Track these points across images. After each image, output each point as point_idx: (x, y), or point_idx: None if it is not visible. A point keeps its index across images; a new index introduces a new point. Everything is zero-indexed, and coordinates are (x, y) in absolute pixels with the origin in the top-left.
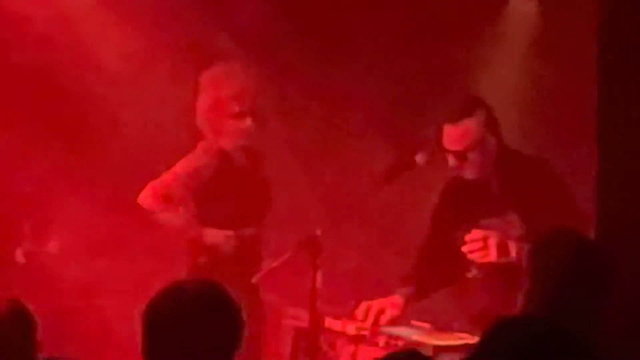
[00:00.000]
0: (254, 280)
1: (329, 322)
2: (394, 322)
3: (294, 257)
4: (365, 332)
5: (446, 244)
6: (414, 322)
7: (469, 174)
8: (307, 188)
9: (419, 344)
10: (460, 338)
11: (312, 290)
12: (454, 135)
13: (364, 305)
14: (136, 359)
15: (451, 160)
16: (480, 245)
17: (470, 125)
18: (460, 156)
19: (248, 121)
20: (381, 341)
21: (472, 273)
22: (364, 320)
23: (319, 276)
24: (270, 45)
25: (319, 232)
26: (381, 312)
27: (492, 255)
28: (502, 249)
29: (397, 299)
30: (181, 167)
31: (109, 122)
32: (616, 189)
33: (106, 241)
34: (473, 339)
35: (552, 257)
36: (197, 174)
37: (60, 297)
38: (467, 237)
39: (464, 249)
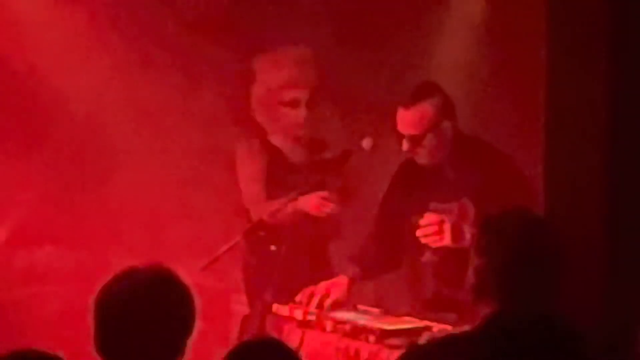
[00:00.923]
0: (201, 267)
1: (276, 307)
2: (338, 304)
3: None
4: (313, 317)
5: (395, 228)
6: (361, 307)
7: (423, 158)
8: None
9: (366, 328)
10: (409, 322)
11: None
12: (408, 119)
13: (307, 290)
14: (88, 347)
15: (405, 145)
16: (435, 230)
17: (425, 109)
18: (415, 140)
19: (302, 111)
20: (328, 326)
21: (426, 257)
22: (308, 304)
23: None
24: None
25: (266, 217)
26: (325, 296)
27: (447, 240)
28: (457, 233)
29: (342, 278)
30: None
31: (55, 112)
32: (562, 173)
33: (54, 229)
34: (421, 323)
35: (502, 233)
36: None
37: (7, 287)
38: (422, 221)
39: (419, 232)
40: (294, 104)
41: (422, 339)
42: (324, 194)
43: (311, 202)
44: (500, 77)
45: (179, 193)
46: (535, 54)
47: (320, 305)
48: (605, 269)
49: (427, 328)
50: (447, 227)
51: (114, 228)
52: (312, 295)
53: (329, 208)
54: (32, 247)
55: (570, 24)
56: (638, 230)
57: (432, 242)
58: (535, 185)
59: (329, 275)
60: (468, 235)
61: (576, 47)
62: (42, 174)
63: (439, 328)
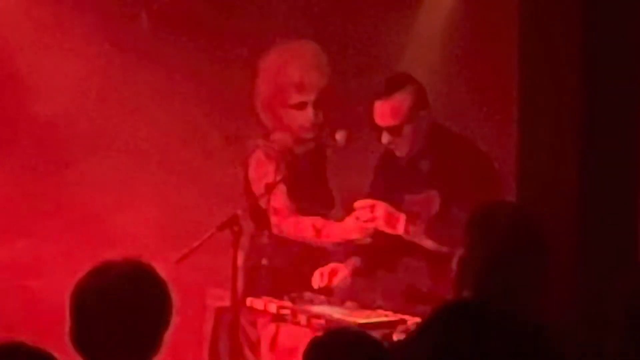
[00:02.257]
0: (175, 260)
1: (250, 301)
2: (345, 282)
3: (216, 236)
4: (287, 311)
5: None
6: (333, 299)
7: (402, 150)
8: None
9: (340, 321)
10: (383, 315)
11: (233, 269)
12: (386, 110)
13: (317, 272)
14: (64, 340)
15: (385, 137)
16: (367, 214)
17: (402, 99)
18: (394, 131)
19: (310, 112)
20: (303, 320)
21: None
22: (320, 283)
23: (240, 256)
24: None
25: (240, 212)
26: (334, 272)
27: (380, 224)
28: (390, 220)
29: (349, 263)
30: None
31: (24, 104)
32: (535, 166)
33: (28, 222)
34: (396, 317)
35: (488, 226)
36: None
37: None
38: (356, 204)
39: (351, 216)
40: (300, 106)
41: (397, 333)
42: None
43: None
44: (473, 71)
45: (154, 183)
46: (507, 47)
47: (329, 282)
48: (575, 264)
49: (402, 321)
50: (379, 212)
51: (86, 219)
52: (321, 275)
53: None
54: (7, 240)
55: (543, 16)
56: (609, 225)
57: (364, 225)
58: (508, 178)
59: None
60: (402, 227)
61: (549, 39)
62: (19, 165)
63: (413, 322)
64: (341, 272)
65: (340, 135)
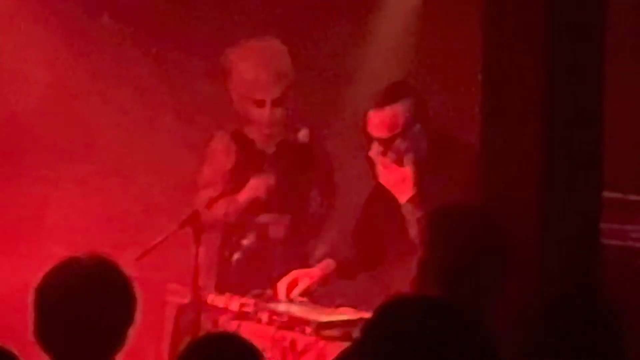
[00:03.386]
0: (136, 258)
1: (211, 298)
2: (308, 294)
3: (177, 233)
4: (249, 309)
5: (375, 227)
6: (297, 298)
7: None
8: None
9: (302, 320)
10: (345, 314)
11: (194, 266)
12: (378, 121)
13: (279, 283)
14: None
15: (375, 148)
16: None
17: (396, 111)
18: (385, 144)
19: (268, 110)
20: (264, 317)
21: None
22: (280, 296)
23: (201, 252)
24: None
25: (200, 208)
26: (294, 283)
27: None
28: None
29: (315, 271)
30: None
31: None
32: (498, 158)
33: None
34: (356, 315)
35: (448, 226)
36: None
37: None
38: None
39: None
40: (259, 103)
41: (357, 331)
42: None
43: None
44: (436, 61)
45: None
46: (471, 36)
47: (287, 294)
48: (536, 264)
49: (362, 320)
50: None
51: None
52: (282, 283)
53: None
54: None
55: (507, 4)
56: (571, 225)
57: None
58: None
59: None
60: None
61: (512, 28)
62: None
63: None
64: (302, 283)
65: (302, 134)
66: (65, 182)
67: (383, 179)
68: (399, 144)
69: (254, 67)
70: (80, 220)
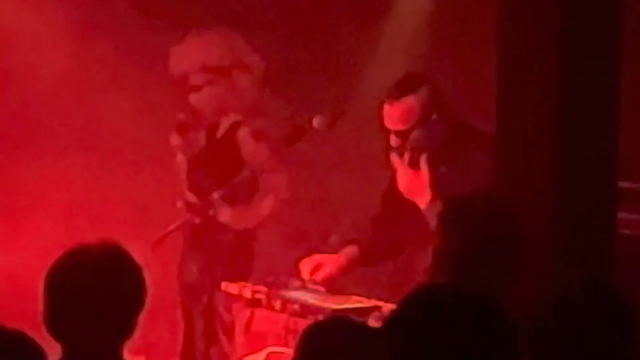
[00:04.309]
0: (152, 242)
1: (225, 285)
2: (331, 280)
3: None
4: (262, 296)
5: (399, 214)
6: (309, 285)
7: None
8: None
9: (316, 307)
10: (357, 301)
11: (208, 255)
12: (394, 114)
13: (301, 264)
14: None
15: (393, 140)
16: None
17: (412, 103)
18: (402, 136)
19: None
20: (277, 305)
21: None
22: (303, 276)
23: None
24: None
25: (216, 195)
26: (318, 267)
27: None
28: None
29: (340, 257)
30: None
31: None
32: (513, 156)
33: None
34: (370, 303)
35: (463, 216)
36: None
37: None
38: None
39: None
40: (196, 88)
41: (371, 319)
42: None
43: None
44: (451, 59)
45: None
46: (487, 26)
47: (311, 278)
48: (550, 254)
49: (376, 307)
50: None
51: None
52: (305, 265)
53: None
54: None
55: (522, 8)
56: (587, 211)
57: None
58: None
59: None
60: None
61: (528, 17)
62: None
63: (387, 308)
64: (326, 267)
65: (317, 121)
66: (71, 169)
67: (402, 187)
68: (416, 135)
69: (195, 52)
70: (85, 206)
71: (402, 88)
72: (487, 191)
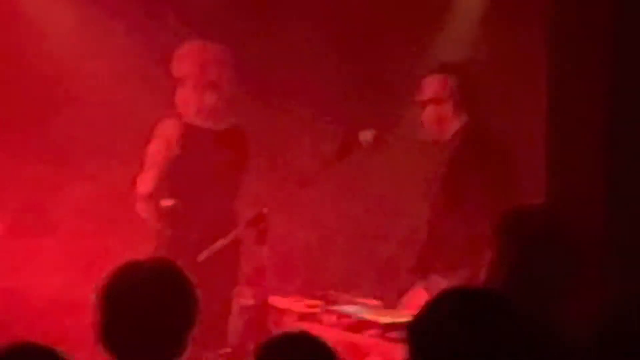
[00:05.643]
0: (200, 258)
1: (276, 300)
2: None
3: (242, 234)
4: (313, 310)
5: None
6: (361, 299)
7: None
8: (256, 166)
9: (367, 321)
10: (409, 315)
11: (259, 268)
12: (434, 82)
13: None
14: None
15: (427, 113)
16: None
17: (451, 79)
18: (437, 102)
19: (208, 96)
20: (328, 319)
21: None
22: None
23: (266, 254)
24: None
25: (266, 210)
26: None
27: None
28: None
29: (420, 291)
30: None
31: (53, 100)
32: (565, 166)
33: (52, 220)
34: None
35: (519, 229)
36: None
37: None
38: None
39: None
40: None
41: None
42: None
43: None
44: (501, 65)
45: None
46: (536, 42)
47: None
48: (602, 266)
49: None
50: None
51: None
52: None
53: None
54: (30, 238)
55: (572, 10)
56: (637, 223)
57: None
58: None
59: None
60: None
61: (578, 33)
62: (44, 165)
63: None
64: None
65: (364, 135)
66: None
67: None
68: (447, 108)
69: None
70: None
71: (445, 67)
72: (542, 204)
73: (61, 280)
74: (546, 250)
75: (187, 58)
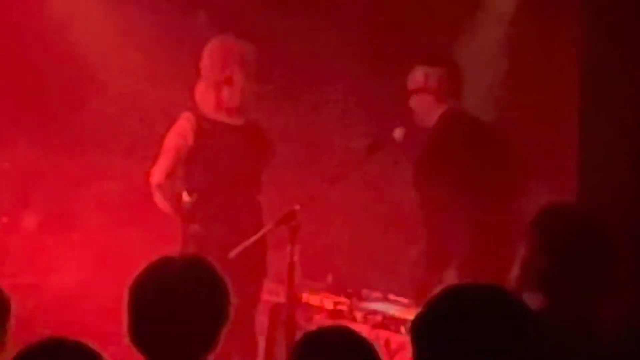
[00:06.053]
0: (231, 255)
1: (306, 297)
2: None
3: (273, 232)
4: (343, 307)
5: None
6: (392, 297)
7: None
8: (286, 164)
9: (397, 318)
10: None
11: (290, 265)
12: (418, 74)
13: None
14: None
15: (413, 101)
16: None
17: (422, 71)
18: (421, 91)
19: (226, 92)
20: (359, 316)
21: None
22: None
23: (297, 251)
24: (250, 25)
25: (297, 207)
26: None
27: None
28: None
29: None
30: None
31: (84, 99)
32: (597, 165)
33: (81, 215)
34: None
35: (552, 228)
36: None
37: (34, 273)
38: None
39: None
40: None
41: None
42: None
43: None
44: (534, 69)
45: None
46: (570, 45)
47: None
48: (637, 260)
49: None
50: None
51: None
52: None
53: None
54: (61, 233)
55: (606, 18)
56: None
57: None
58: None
59: None
60: None
61: (612, 32)
62: (74, 160)
63: None
64: None
65: (397, 133)
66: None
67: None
68: (428, 99)
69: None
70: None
71: (432, 58)
72: (575, 203)
73: (88, 276)
74: (580, 249)
75: (209, 54)
